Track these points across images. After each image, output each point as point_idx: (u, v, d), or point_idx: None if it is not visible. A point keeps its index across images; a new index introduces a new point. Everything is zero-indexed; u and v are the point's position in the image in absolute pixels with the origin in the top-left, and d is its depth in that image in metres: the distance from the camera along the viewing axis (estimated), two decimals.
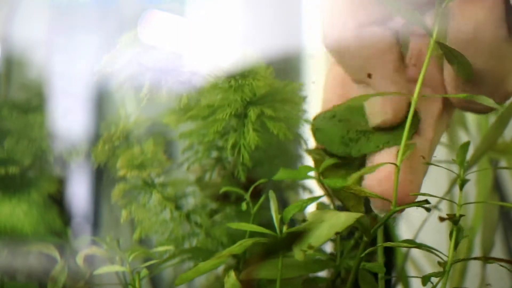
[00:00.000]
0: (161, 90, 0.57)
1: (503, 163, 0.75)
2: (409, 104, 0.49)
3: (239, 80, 0.57)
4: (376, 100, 0.50)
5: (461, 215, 0.48)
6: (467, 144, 0.49)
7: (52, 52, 0.74)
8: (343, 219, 0.43)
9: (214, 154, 0.60)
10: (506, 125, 0.62)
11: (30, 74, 0.74)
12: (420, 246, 0.48)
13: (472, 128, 0.77)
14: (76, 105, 0.73)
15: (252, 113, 0.56)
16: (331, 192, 0.53)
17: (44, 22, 0.76)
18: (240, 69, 0.57)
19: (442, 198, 0.50)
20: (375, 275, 0.52)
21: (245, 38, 0.64)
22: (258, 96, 0.57)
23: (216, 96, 0.57)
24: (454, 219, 0.47)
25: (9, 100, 0.73)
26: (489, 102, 0.46)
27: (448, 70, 0.49)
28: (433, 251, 0.48)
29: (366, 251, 0.49)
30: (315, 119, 0.54)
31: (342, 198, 0.50)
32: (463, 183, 0.48)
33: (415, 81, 0.51)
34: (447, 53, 0.46)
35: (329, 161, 0.52)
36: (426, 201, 0.47)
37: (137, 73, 0.58)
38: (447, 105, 0.52)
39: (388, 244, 0.49)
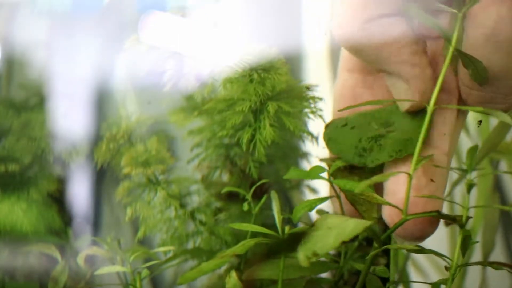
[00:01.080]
0: (184, 79, 0.57)
1: (503, 163, 0.75)
2: (434, 83, 0.49)
3: (261, 74, 0.56)
4: (401, 86, 0.49)
5: (468, 217, 0.48)
6: (475, 148, 0.49)
7: (53, 52, 0.74)
8: (351, 227, 0.43)
9: (221, 151, 0.60)
10: (509, 129, 0.62)
11: (31, 74, 0.74)
12: (423, 250, 0.48)
13: (472, 129, 0.77)
14: (76, 106, 0.73)
15: (271, 108, 0.56)
16: (339, 194, 0.52)
17: (45, 22, 0.76)
18: (261, 63, 0.56)
19: (443, 200, 0.50)
20: (381, 277, 0.52)
21: (245, 38, 0.64)
22: (277, 92, 0.56)
23: (236, 89, 0.56)
24: (460, 223, 0.47)
25: (10, 99, 0.73)
26: (507, 119, 0.46)
27: (463, 68, 0.48)
28: (434, 254, 0.48)
29: (374, 253, 0.48)
30: (327, 127, 0.54)
31: (355, 203, 0.50)
32: (470, 186, 0.48)
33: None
34: (463, 58, 0.46)
35: (338, 163, 0.51)
36: (438, 212, 0.47)
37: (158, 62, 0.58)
38: (462, 111, 0.51)
39: (392, 246, 0.49)
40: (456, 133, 0.51)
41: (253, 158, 0.57)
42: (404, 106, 0.50)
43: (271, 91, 0.56)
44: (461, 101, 0.50)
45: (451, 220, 0.48)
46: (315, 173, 0.52)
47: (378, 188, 0.50)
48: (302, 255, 0.42)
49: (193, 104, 0.60)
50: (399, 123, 0.51)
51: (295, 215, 0.49)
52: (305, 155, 0.62)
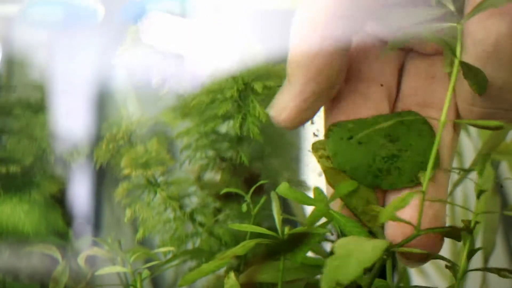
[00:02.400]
0: (177, 81, 0.57)
1: (504, 164, 0.75)
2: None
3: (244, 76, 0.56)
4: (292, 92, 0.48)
5: (476, 223, 0.48)
6: (488, 156, 0.48)
7: (53, 53, 0.74)
8: (370, 252, 0.42)
9: (210, 153, 0.60)
10: (508, 130, 0.62)
11: (31, 75, 0.74)
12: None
13: (473, 130, 0.77)
14: (77, 106, 0.73)
15: (257, 86, 0.56)
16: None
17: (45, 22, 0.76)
18: (249, 70, 0.57)
19: (444, 202, 0.50)
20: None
21: (245, 38, 0.64)
22: (259, 74, 0.56)
23: (218, 80, 0.56)
24: (468, 229, 0.47)
25: (10, 99, 0.73)
26: None
27: (463, 86, 0.48)
28: (440, 258, 0.48)
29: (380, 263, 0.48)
30: (329, 138, 0.50)
31: (357, 213, 0.49)
32: (480, 192, 0.48)
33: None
34: (466, 70, 0.45)
35: (349, 185, 0.50)
36: (453, 228, 0.47)
37: (153, 65, 0.58)
38: (457, 127, 0.51)
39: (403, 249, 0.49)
40: (453, 147, 0.51)
41: (242, 149, 0.57)
42: (278, 115, 0.49)
43: (253, 74, 0.56)
44: (458, 117, 0.50)
45: (458, 236, 0.48)
46: (315, 201, 0.50)
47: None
48: (325, 286, 0.41)
49: (183, 104, 0.60)
50: (406, 139, 0.50)
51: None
52: (301, 148, 0.62)
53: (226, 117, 0.57)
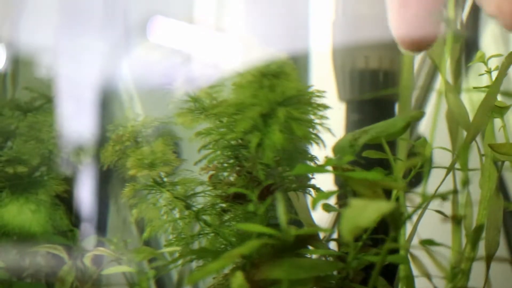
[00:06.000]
0: (193, 83, 0.57)
1: (507, 164, 0.75)
2: None
3: (271, 79, 0.56)
4: None
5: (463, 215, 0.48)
6: (467, 145, 0.49)
7: (59, 55, 0.75)
8: (384, 204, 0.43)
9: (229, 153, 0.60)
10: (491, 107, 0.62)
11: (37, 76, 0.75)
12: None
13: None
14: (83, 107, 0.73)
15: (281, 113, 0.56)
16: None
17: (51, 25, 0.77)
18: (271, 68, 0.57)
19: (447, 194, 0.50)
20: (386, 278, 0.52)
21: (254, 41, 0.64)
22: (286, 97, 0.57)
23: (246, 94, 0.56)
24: (456, 219, 0.48)
25: (17, 101, 0.73)
26: None
27: None
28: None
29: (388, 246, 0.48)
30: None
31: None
32: (465, 183, 0.48)
33: None
34: None
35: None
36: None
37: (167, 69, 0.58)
38: None
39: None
40: None
41: (260, 161, 0.57)
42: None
43: (280, 97, 0.56)
44: None
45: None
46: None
47: None
48: (345, 229, 0.42)
49: (200, 107, 0.61)
50: None
51: (313, 203, 0.50)
52: (312, 158, 0.62)
53: (245, 132, 0.57)
